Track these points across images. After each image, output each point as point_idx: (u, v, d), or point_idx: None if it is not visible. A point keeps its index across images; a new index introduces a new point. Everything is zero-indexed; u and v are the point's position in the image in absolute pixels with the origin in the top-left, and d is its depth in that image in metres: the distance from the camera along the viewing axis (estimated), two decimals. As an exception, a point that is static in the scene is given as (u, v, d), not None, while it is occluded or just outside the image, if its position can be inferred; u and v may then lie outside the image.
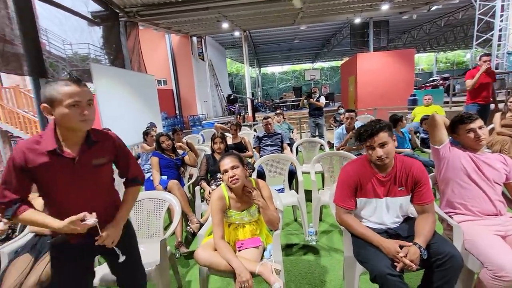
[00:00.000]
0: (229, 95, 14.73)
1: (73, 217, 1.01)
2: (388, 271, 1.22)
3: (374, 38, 11.32)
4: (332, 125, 7.06)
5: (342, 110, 6.28)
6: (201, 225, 2.25)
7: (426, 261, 1.26)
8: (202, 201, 2.63)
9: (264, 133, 3.61)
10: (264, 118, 3.67)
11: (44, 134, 1.08)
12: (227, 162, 1.52)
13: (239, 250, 1.49)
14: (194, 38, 11.19)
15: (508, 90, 9.30)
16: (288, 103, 15.43)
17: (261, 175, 2.90)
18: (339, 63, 18.24)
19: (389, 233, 1.43)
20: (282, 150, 3.53)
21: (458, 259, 1.22)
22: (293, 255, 2.25)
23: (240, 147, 3.52)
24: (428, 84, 14.31)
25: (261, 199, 1.53)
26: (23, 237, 1.75)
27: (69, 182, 1.08)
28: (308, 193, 2.61)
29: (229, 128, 3.76)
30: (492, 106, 4.22)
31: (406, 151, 3.33)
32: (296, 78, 25.83)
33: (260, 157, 3.25)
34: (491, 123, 3.69)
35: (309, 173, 2.70)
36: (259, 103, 16.86)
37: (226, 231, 1.57)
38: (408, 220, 1.49)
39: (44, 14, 5.68)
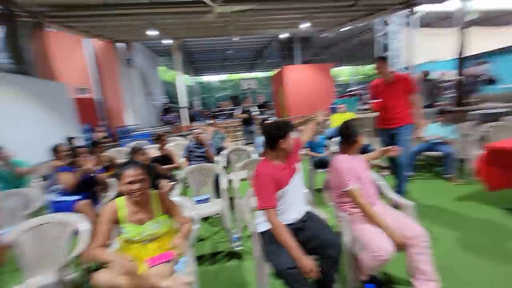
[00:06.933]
0: (164, 104, 14.08)
1: None
2: (287, 265, 1.37)
3: (301, 52, 12.41)
4: (264, 132, 7.44)
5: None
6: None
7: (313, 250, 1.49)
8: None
9: (195, 144, 3.56)
10: (192, 130, 3.63)
11: None
12: (130, 173, 1.48)
13: (150, 267, 1.44)
14: (120, 44, 10.39)
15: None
16: (225, 112, 15.54)
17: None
18: (273, 73, 19.31)
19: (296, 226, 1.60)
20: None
21: (337, 246, 1.49)
22: (218, 263, 2.30)
23: (166, 159, 3.43)
24: (346, 94, 16.17)
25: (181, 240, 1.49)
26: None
27: None
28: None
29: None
30: None
31: (321, 155, 3.74)
32: (233, 87, 26.17)
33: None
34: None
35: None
36: (196, 112, 16.54)
37: (130, 251, 1.49)
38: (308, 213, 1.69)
39: None
